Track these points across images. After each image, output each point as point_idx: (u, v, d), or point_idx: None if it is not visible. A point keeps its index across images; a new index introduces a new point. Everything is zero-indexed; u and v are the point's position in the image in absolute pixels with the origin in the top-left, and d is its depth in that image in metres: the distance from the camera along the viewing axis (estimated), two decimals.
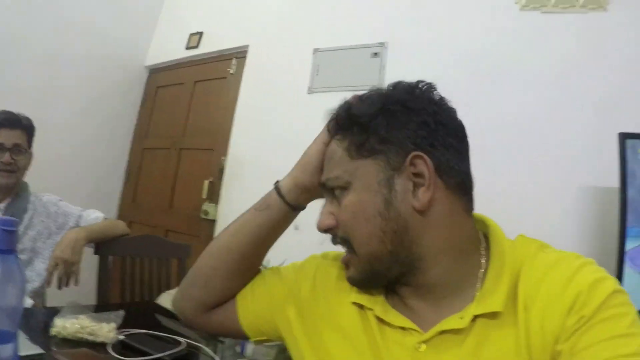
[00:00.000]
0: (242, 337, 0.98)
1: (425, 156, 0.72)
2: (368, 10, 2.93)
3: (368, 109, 0.76)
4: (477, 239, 0.77)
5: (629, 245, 1.73)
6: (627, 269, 1.71)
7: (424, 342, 0.72)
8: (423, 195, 0.71)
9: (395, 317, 0.76)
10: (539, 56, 2.35)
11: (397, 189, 0.73)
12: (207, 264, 0.95)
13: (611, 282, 0.66)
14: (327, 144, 0.84)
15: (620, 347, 0.59)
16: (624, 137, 1.80)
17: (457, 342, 0.70)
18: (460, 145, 0.77)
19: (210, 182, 3.39)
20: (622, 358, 0.58)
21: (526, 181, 2.21)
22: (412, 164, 0.72)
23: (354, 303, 0.81)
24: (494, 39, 2.47)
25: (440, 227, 0.73)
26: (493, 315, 0.68)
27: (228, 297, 0.96)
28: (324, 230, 0.79)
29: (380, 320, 0.77)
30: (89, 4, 3.60)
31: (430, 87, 0.78)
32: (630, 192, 1.76)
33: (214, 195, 3.35)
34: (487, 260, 0.75)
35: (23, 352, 0.99)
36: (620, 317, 0.62)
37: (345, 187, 0.76)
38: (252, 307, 0.94)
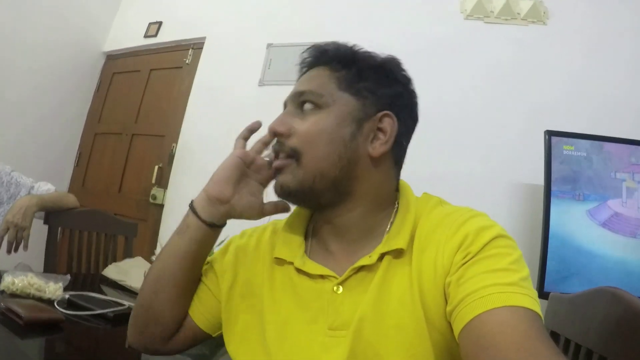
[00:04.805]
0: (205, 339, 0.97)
1: (395, 118, 0.83)
2: (320, 9, 3.09)
3: (371, 60, 0.86)
4: (395, 197, 0.88)
5: (589, 206, 2.03)
6: (589, 222, 2.02)
7: (340, 283, 0.79)
8: (380, 147, 0.82)
9: (314, 267, 0.82)
10: (478, 62, 2.56)
11: (362, 131, 0.82)
12: (152, 298, 0.90)
13: (498, 228, 0.74)
14: (242, 159, 0.87)
15: (500, 278, 0.66)
16: (549, 134, 2.07)
17: (369, 279, 0.78)
18: (412, 129, 0.89)
19: (160, 167, 3.45)
20: (501, 286, 0.64)
21: (461, 173, 2.45)
22: (380, 119, 0.83)
23: (276, 259, 0.87)
24: (439, 44, 2.66)
25: (377, 178, 0.84)
26: (397, 254, 0.77)
27: (183, 318, 0.93)
28: (275, 133, 0.83)
29: (300, 271, 0.83)
30: None
31: (411, 79, 0.89)
32: (588, 173, 2.04)
33: (163, 181, 3.42)
34: (396, 212, 0.85)
35: None
36: (503, 256, 0.69)
37: (319, 106, 0.82)
38: (205, 312, 0.93)
